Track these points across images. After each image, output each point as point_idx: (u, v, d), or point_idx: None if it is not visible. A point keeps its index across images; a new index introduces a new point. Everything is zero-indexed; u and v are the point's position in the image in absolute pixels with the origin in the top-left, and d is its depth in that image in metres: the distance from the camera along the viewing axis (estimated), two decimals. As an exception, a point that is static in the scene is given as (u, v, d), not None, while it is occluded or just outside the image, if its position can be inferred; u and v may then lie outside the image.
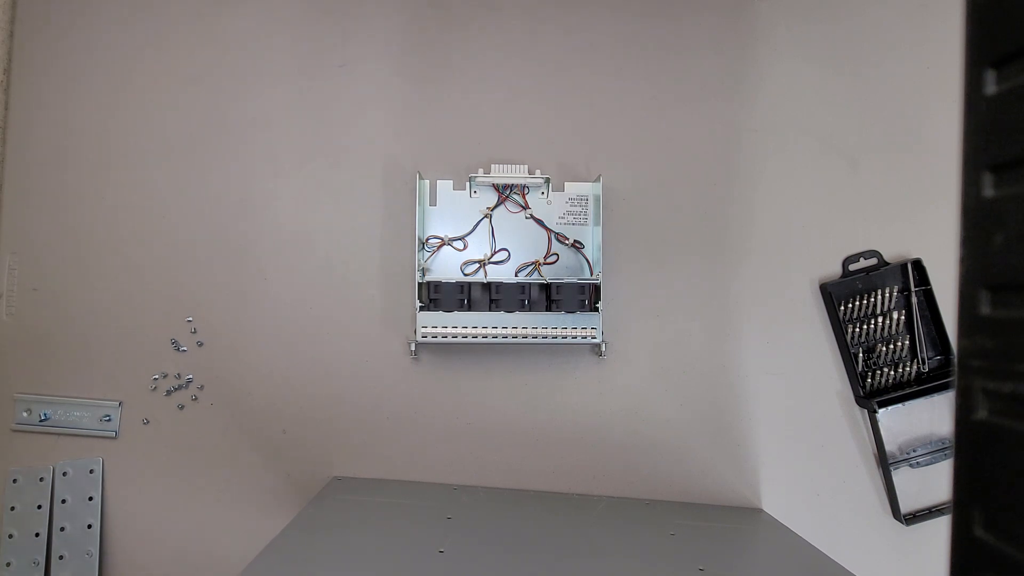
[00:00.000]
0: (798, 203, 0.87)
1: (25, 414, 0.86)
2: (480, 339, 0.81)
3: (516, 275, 0.84)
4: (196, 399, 0.87)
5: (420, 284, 0.82)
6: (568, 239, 0.84)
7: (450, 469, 0.86)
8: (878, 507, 0.85)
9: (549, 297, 0.82)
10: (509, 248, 0.84)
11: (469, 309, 0.82)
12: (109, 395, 0.87)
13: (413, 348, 0.83)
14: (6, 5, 0.88)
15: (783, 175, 0.87)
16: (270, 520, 0.86)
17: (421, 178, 0.84)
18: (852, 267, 0.86)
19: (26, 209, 0.88)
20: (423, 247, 0.84)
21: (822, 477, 0.85)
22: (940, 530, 0.84)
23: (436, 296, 0.81)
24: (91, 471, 0.86)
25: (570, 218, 0.85)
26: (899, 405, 0.83)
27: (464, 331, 0.81)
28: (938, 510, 0.84)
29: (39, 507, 0.85)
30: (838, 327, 0.85)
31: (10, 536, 0.84)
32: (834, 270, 0.86)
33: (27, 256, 0.88)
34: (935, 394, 0.82)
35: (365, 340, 0.87)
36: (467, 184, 0.85)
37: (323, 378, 0.87)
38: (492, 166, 0.85)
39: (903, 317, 0.83)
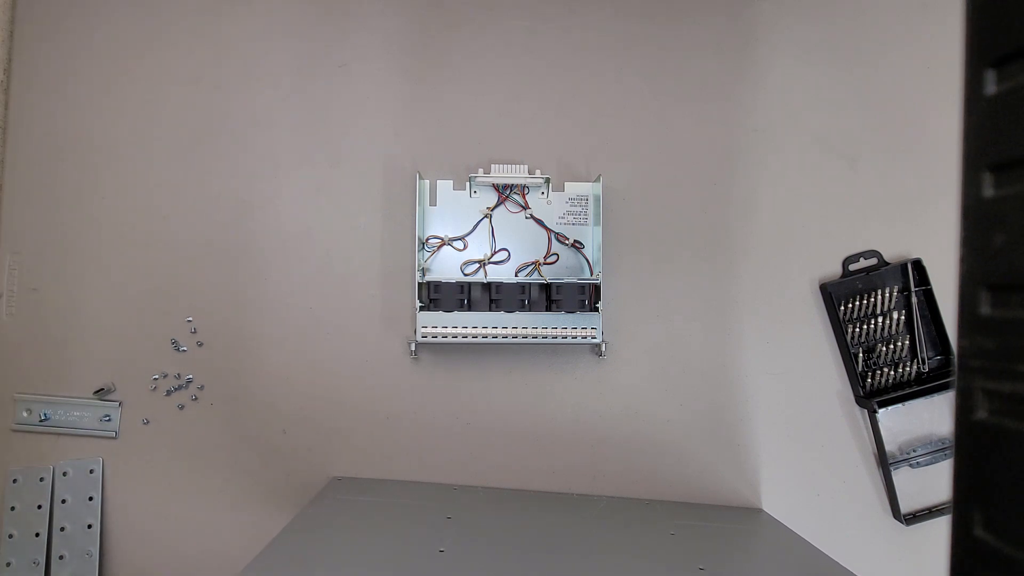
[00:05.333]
0: (798, 203, 0.87)
1: (25, 414, 0.86)
2: (480, 339, 0.81)
3: (516, 275, 0.84)
4: (196, 399, 0.87)
5: (420, 284, 0.82)
6: (568, 239, 0.84)
7: (450, 469, 0.86)
8: (878, 507, 0.85)
9: (549, 297, 0.82)
10: (509, 248, 0.84)
11: (469, 309, 0.82)
12: (109, 395, 0.87)
13: (413, 348, 0.83)
14: (6, 5, 0.88)
15: (783, 175, 0.87)
16: (270, 520, 0.86)
17: (421, 178, 0.84)
18: (852, 267, 0.86)
19: (26, 209, 0.88)
20: (423, 247, 0.84)
21: (822, 477, 0.85)
22: (940, 530, 0.84)
23: (436, 296, 0.81)
24: (91, 471, 0.86)
25: (570, 218, 0.85)
26: (899, 405, 0.83)
27: (464, 331, 0.81)
28: (938, 510, 0.84)
29: (39, 507, 0.85)
30: (838, 327, 0.85)
31: (10, 536, 0.84)
32: (834, 270, 0.86)
33: (27, 256, 0.88)
34: (935, 394, 0.82)
35: (365, 340, 0.87)
36: (467, 184, 0.85)
37: (323, 378, 0.87)
38: (492, 166, 0.85)
39: (903, 317, 0.83)
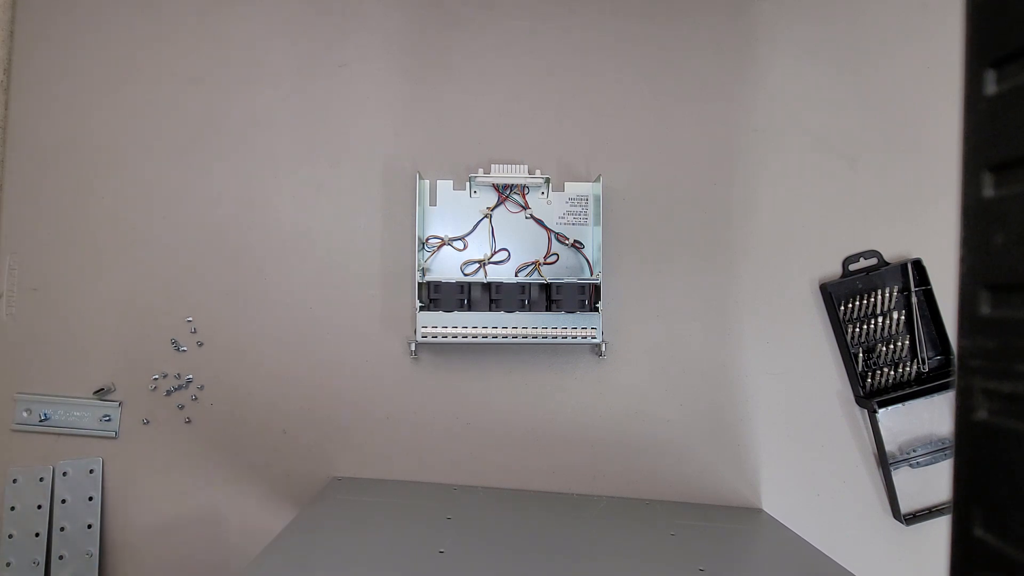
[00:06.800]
0: (798, 203, 0.87)
1: (25, 414, 0.86)
2: (480, 339, 0.81)
3: (516, 275, 0.84)
4: (196, 399, 0.87)
5: (420, 284, 0.82)
6: (568, 239, 0.84)
7: (450, 469, 0.86)
8: (878, 507, 0.85)
9: (549, 297, 0.82)
10: (509, 248, 0.84)
11: (469, 309, 0.82)
12: (109, 395, 0.87)
13: (413, 348, 0.83)
14: (6, 5, 0.88)
15: (783, 175, 0.87)
16: (270, 520, 0.86)
17: (421, 178, 0.84)
18: (852, 267, 0.86)
19: (26, 209, 0.88)
20: (423, 247, 0.84)
21: (822, 477, 0.85)
22: (940, 530, 0.84)
23: (436, 296, 0.81)
24: (91, 471, 0.86)
25: (570, 218, 0.85)
26: (899, 405, 0.83)
27: (464, 331, 0.81)
28: (938, 510, 0.84)
29: (39, 507, 0.85)
30: (838, 327, 0.85)
31: (10, 536, 0.84)
32: (834, 270, 0.86)
33: (27, 256, 0.88)
34: (935, 394, 0.82)
35: (365, 340, 0.87)
36: (467, 184, 0.85)
37: (323, 378, 0.87)
38: (492, 166, 0.85)
39: (903, 317, 0.83)
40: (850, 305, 0.84)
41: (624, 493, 0.86)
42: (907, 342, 0.84)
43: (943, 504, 0.84)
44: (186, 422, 0.87)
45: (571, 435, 0.86)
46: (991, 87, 0.26)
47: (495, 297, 0.82)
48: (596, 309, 0.81)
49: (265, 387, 0.87)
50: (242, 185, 0.88)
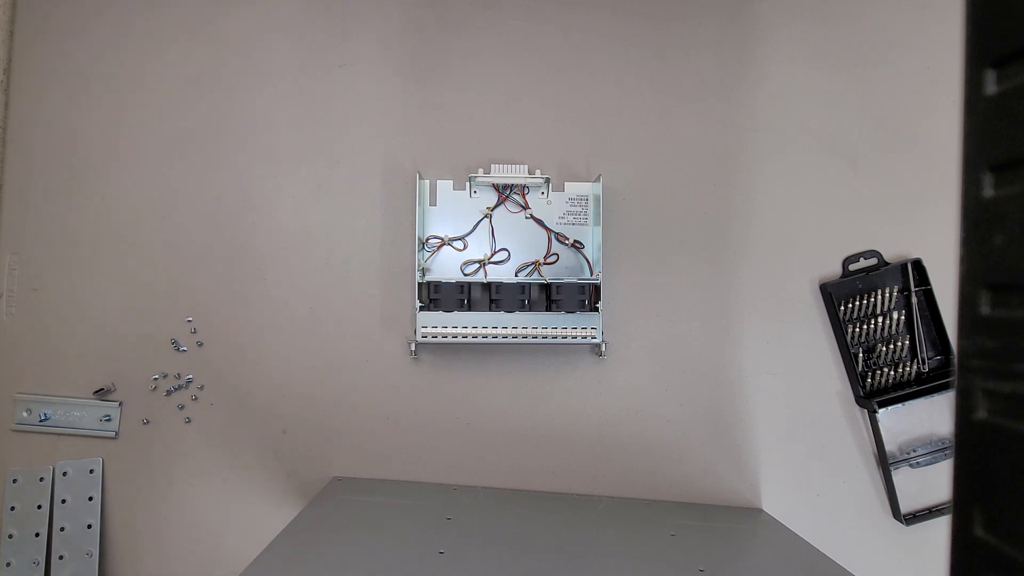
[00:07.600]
0: (798, 203, 0.87)
1: (25, 414, 0.86)
2: (480, 339, 0.81)
3: (516, 275, 0.84)
4: (196, 399, 0.87)
5: (420, 284, 0.82)
6: (568, 239, 0.84)
7: (450, 469, 0.86)
8: (878, 507, 0.85)
9: (549, 297, 0.82)
10: (509, 248, 0.84)
11: (469, 309, 0.82)
12: (109, 395, 0.87)
13: (413, 348, 0.83)
14: (6, 5, 0.88)
15: (783, 175, 0.87)
16: (270, 520, 0.86)
17: (421, 178, 0.84)
18: (852, 267, 0.86)
19: (26, 209, 0.88)
20: (423, 247, 0.84)
21: (822, 477, 0.85)
22: (940, 530, 0.84)
23: (436, 296, 0.81)
24: (91, 471, 0.86)
25: (570, 218, 0.85)
26: (899, 405, 0.83)
27: (464, 331, 0.81)
28: (938, 510, 0.84)
29: (39, 507, 0.85)
30: (838, 327, 0.85)
31: (10, 536, 0.84)
32: (834, 270, 0.86)
33: (27, 256, 0.88)
34: (935, 394, 0.82)
35: (365, 340, 0.87)
36: (467, 184, 0.85)
37: (323, 378, 0.87)
38: (492, 166, 0.85)
39: (903, 317, 0.83)
40: (850, 305, 0.84)
41: (624, 493, 0.86)
42: (907, 342, 0.84)
43: (943, 504, 0.84)
44: (186, 422, 0.87)
45: (571, 435, 0.86)
46: (991, 87, 0.26)
47: (495, 297, 0.82)
48: (596, 309, 0.81)
49: (265, 387, 0.87)
50: (242, 185, 0.88)
